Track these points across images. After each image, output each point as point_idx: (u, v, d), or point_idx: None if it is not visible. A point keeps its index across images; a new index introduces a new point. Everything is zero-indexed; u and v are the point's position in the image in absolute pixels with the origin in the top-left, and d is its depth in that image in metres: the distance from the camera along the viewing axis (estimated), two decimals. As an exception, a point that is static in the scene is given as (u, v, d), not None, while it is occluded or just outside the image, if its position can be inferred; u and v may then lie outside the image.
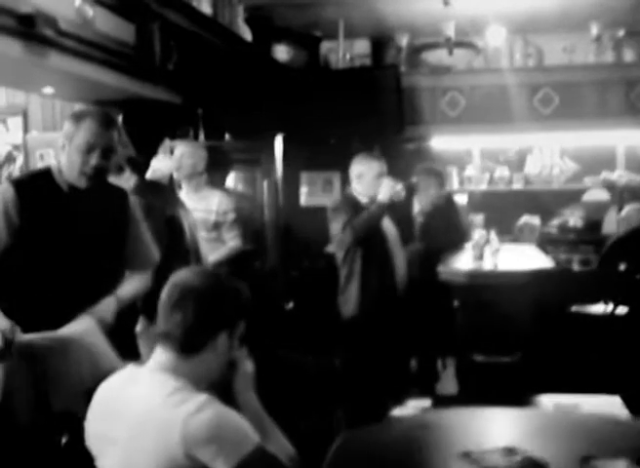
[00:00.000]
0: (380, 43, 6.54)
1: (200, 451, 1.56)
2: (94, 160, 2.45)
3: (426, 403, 2.63)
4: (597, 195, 6.40)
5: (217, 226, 4.33)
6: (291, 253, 5.99)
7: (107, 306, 2.52)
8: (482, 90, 6.17)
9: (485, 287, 3.67)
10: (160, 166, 3.79)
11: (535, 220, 6.40)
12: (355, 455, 1.96)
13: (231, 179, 5.27)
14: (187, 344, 1.70)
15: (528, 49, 6.28)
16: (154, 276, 2.70)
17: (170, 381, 1.67)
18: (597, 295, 4.64)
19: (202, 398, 1.62)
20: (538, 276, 3.74)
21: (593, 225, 6.45)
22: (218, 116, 4.69)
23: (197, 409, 1.58)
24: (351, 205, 4.08)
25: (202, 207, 4.27)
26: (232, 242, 4.38)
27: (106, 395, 1.76)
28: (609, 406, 2.62)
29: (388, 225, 4.25)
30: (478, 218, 6.01)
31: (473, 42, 5.91)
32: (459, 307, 3.80)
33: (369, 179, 4.08)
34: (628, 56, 6.12)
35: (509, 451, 1.85)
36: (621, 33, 5.94)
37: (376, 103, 5.81)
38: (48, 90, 3.92)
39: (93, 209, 2.55)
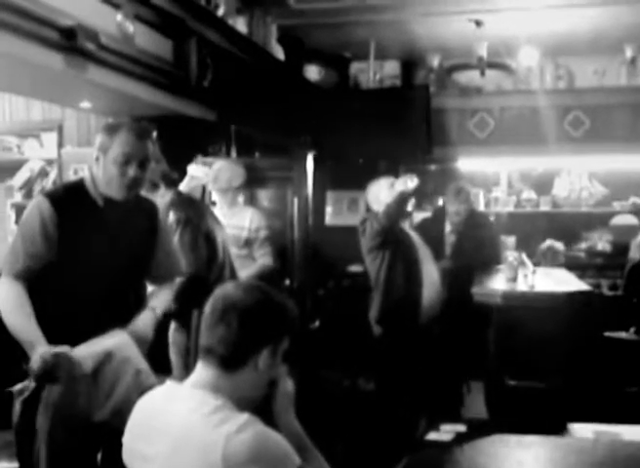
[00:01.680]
0: (410, 64, 6.51)
1: None
2: (132, 171, 2.41)
3: (461, 428, 2.54)
4: (626, 219, 6.31)
5: (248, 243, 4.30)
6: (317, 273, 5.95)
7: (146, 321, 2.48)
8: (511, 111, 6.11)
9: (520, 308, 3.58)
10: (197, 173, 3.77)
11: (558, 245, 6.30)
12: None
13: (262, 197, 5.25)
14: (229, 360, 1.64)
15: (559, 71, 6.21)
16: (191, 289, 2.66)
17: (210, 399, 1.61)
18: (629, 321, 4.52)
19: (243, 418, 1.56)
20: (575, 299, 3.64)
21: (621, 250, 6.33)
22: (250, 133, 4.66)
23: (238, 430, 1.52)
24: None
25: (234, 223, 4.25)
26: (263, 259, 4.34)
27: (145, 412, 1.70)
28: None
29: (418, 241, 4.20)
30: (510, 240, 5.93)
31: (506, 63, 5.85)
32: (492, 329, 3.70)
33: (384, 194, 4.04)
34: (661, 79, 6.02)
35: None
36: (657, 54, 5.86)
37: (404, 124, 5.76)
38: (85, 104, 3.94)
39: (126, 221, 2.52)
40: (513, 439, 2.16)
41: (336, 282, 6.05)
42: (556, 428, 2.80)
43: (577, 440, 2.39)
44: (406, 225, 4.24)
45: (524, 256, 4.15)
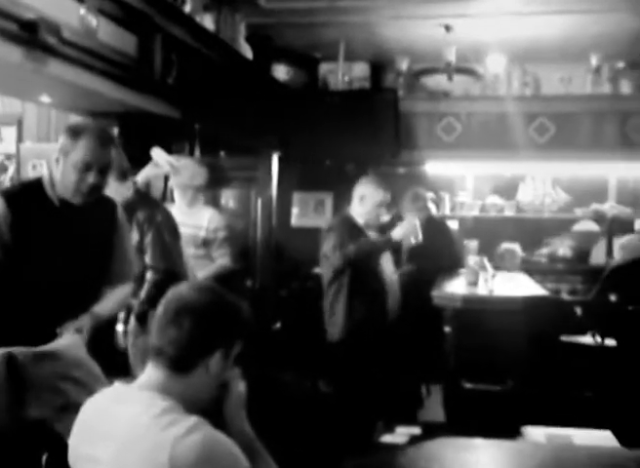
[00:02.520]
0: (380, 66, 6.56)
1: None
2: (90, 178, 2.39)
3: (416, 430, 2.57)
4: (587, 226, 6.43)
5: (205, 243, 4.26)
6: (280, 274, 5.95)
7: (85, 321, 2.45)
8: (478, 116, 6.19)
9: (479, 312, 3.62)
10: (160, 159, 3.72)
11: (516, 247, 6.39)
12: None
13: (225, 197, 5.23)
14: (180, 362, 1.63)
15: (526, 78, 6.31)
16: (161, 287, 2.64)
17: (159, 401, 1.60)
18: (587, 326, 4.61)
19: (192, 420, 1.55)
20: (533, 304, 3.69)
21: (582, 256, 6.47)
22: (214, 132, 4.64)
23: (186, 433, 1.51)
24: (348, 226, 4.03)
25: (192, 222, 4.20)
26: (221, 260, 4.30)
27: (91, 413, 1.68)
28: (601, 440, 2.56)
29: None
30: (472, 244, 5.99)
31: (473, 68, 5.93)
32: (450, 332, 3.74)
33: (370, 204, 4.03)
34: (625, 88, 6.15)
35: None
36: (621, 65, 5.97)
37: (372, 126, 5.81)
38: (45, 98, 3.88)
39: (84, 223, 2.49)
40: (460, 442, 2.18)
41: (300, 283, 6.06)
42: (510, 431, 2.85)
43: (522, 443, 2.43)
44: (371, 232, 4.19)
45: (485, 261, 4.20)
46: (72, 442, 1.68)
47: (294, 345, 5.15)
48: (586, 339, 4.57)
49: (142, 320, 3.40)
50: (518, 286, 4.33)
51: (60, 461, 1.70)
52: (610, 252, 6.39)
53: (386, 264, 4.14)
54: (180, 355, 1.63)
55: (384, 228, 4.28)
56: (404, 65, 6.21)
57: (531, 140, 6.10)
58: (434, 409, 4.45)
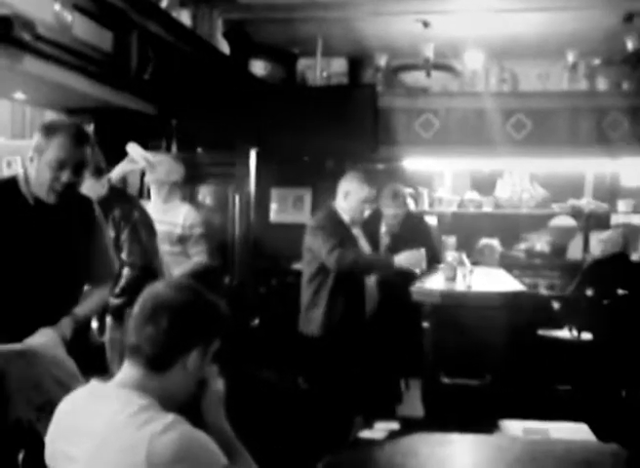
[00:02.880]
0: (358, 62, 6.57)
1: None
2: (64, 176, 2.39)
3: (394, 425, 2.59)
4: (564, 221, 6.51)
5: (181, 240, 4.23)
6: (259, 270, 5.96)
7: (65, 324, 2.45)
8: (456, 112, 6.19)
9: (457, 307, 3.65)
10: (136, 154, 3.70)
11: (494, 243, 6.45)
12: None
13: (202, 193, 5.21)
14: (157, 360, 1.64)
15: (503, 74, 6.36)
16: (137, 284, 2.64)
17: (135, 399, 1.60)
18: (564, 320, 4.67)
19: (168, 418, 1.55)
20: (511, 299, 3.74)
21: (559, 251, 6.55)
22: (191, 128, 4.63)
23: (163, 430, 1.52)
24: (335, 223, 4.05)
25: (168, 219, 4.17)
26: (197, 257, 4.27)
27: (68, 411, 1.68)
28: (577, 432, 2.60)
29: (364, 246, 4.23)
30: (450, 240, 6.03)
31: (451, 65, 5.96)
32: (429, 328, 3.77)
33: (354, 201, 4.04)
34: (601, 84, 6.21)
35: None
36: (597, 62, 6.03)
37: (351, 122, 5.81)
38: (19, 95, 3.84)
39: (59, 222, 2.49)
40: (436, 437, 2.20)
41: (279, 279, 6.06)
42: (488, 425, 2.88)
43: (499, 437, 2.46)
44: (355, 228, 4.18)
45: (463, 256, 4.24)
46: (49, 439, 1.68)
47: (273, 342, 5.15)
48: (563, 333, 4.62)
49: (117, 315, 3.39)
50: (496, 281, 4.37)
51: (36, 459, 1.70)
52: (587, 246, 6.48)
53: None
54: (156, 353, 1.63)
55: (366, 223, 4.33)
56: (382, 61, 6.22)
57: (508, 137, 6.11)
58: (413, 404, 4.48)
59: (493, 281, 4.36)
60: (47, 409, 2.09)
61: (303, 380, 4.07)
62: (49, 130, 2.41)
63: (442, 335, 3.65)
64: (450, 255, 4.30)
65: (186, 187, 4.70)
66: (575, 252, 6.57)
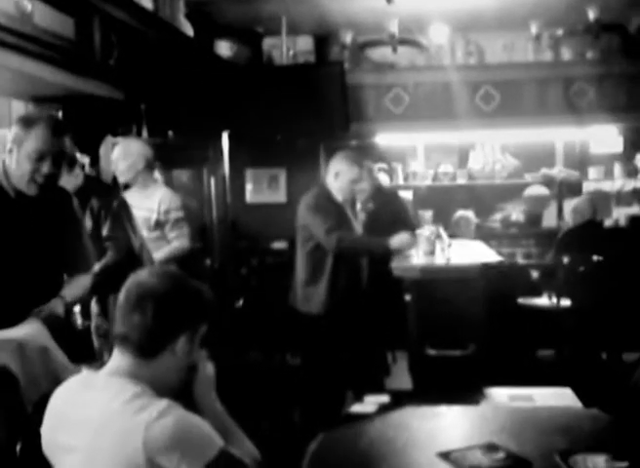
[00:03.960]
0: (324, 40, 6.52)
1: (163, 458, 1.51)
2: (45, 168, 2.39)
3: (384, 399, 2.63)
4: (537, 190, 6.60)
5: (158, 225, 4.17)
6: (239, 251, 5.96)
7: (56, 304, 2.46)
8: (425, 87, 6.22)
9: (438, 281, 3.70)
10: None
11: (470, 214, 6.52)
12: (334, 458, 1.93)
13: (177, 177, 5.16)
14: (146, 347, 1.65)
15: (469, 47, 6.37)
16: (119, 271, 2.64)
17: (128, 386, 1.61)
18: (543, 288, 4.75)
19: (163, 403, 1.57)
20: (489, 270, 3.79)
21: (534, 220, 6.64)
22: (161, 112, 4.58)
23: (158, 416, 1.53)
24: (329, 203, 4.06)
25: (145, 205, 4.11)
26: (176, 242, 4.21)
27: (62, 402, 1.69)
28: (561, 397, 2.66)
29: (358, 226, 4.24)
30: (427, 214, 6.07)
31: (417, 40, 5.96)
32: (411, 302, 3.81)
33: (344, 181, 4.05)
34: (566, 54, 6.27)
35: (490, 449, 1.81)
36: (560, 32, 6.08)
37: (321, 100, 5.78)
38: (-17, 86, 3.77)
39: (40, 214, 2.49)
40: (425, 410, 2.24)
41: (259, 259, 6.07)
42: (475, 393, 2.94)
43: (484, 407, 2.50)
44: (348, 208, 4.20)
45: (441, 230, 4.28)
46: (45, 430, 1.69)
47: (258, 321, 5.16)
48: (543, 301, 4.70)
49: (96, 291, 3.35)
50: (474, 253, 4.42)
51: (34, 449, 1.70)
52: (561, 214, 6.59)
53: None
54: (145, 341, 1.64)
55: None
56: (348, 38, 6.18)
57: (477, 109, 6.16)
58: (401, 376, 4.54)
59: (471, 253, 4.42)
60: (41, 401, 2.09)
61: (292, 357, 4.08)
62: (27, 121, 2.42)
63: (425, 309, 3.70)
64: (427, 229, 4.33)
65: (160, 172, 4.65)
66: (549, 219, 6.68)
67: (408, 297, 3.84)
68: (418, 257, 4.15)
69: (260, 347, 4.86)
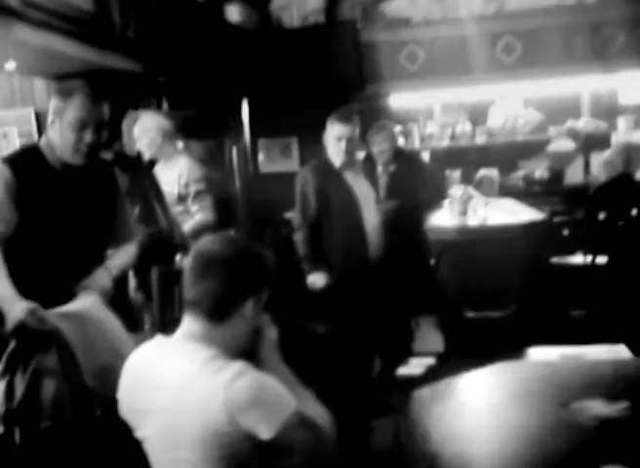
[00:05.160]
0: (333, -2, 6.56)
1: (243, 417, 1.66)
2: (87, 137, 2.50)
3: (430, 361, 2.79)
4: (562, 145, 6.60)
5: (181, 199, 4.26)
6: (254, 222, 6.07)
7: (101, 277, 2.62)
8: (442, 42, 6.23)
9: (476, 242, 3.78)
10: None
11: (493, 173, 6.57)
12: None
13: (199, 148, 5.24)
14: (217, 312, 1.80)
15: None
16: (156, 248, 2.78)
17: (203, 350, 1.77)
18: (579, 246, 4.77)
19: (239, 364, 1.73)
20: (529, 229, 3.87)
21: (559, 176, 6.66)
22: (180, 84, 4.68)
23: (236, 376, 1.69)
24: (321, 170, 4.06)
25: (167, 179, 4.17)
26: (200, 214, 4.28)
27: (138, 367, 1.86)
28: (615, 353, 2.76)
29: (362, 187, 4.26)
30: (455, 174, 6.12)
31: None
32: (447, 264, 3.93)
33: (330, 141, 4.02)
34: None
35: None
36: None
37: (335, 62, 5.84)
38: (10, 65, 3.90)
39: (84, 184, 2.62)
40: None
41: (274, 230, 6.19)
42: (517, 354, 3.07)
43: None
44: (351, 172, 4.16)
45: (471, 190, 4.37)
46: (123, 396, 1.87)
47: (279, 292, 5.26)
48: (577, 259, 4.78)
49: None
50: (511, 212, 4.45)
51: (112, 415, 1.87)
52: (587, 170, 6.63)
53: (369, 216, 4.17)
54: (216, 305, 1.81)
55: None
56: (362, -7, 6.24)
57: (498, 62, 6.17)
58: (425, 340, 4.69)
59: (507, 212, 4.44)
60: (102, 373, 2.26)
61: (317, 324, 4.20)
62: (65, 91, 2.51)
63: (462, 271, 3.81)
64: (457, 190, 4.41)
65: (183, 143, 4.74)
66: (574, 175, 6.70)
67: (443, 260, 3.95)
68: (452, 219, 4.23)
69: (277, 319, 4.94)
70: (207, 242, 1.88)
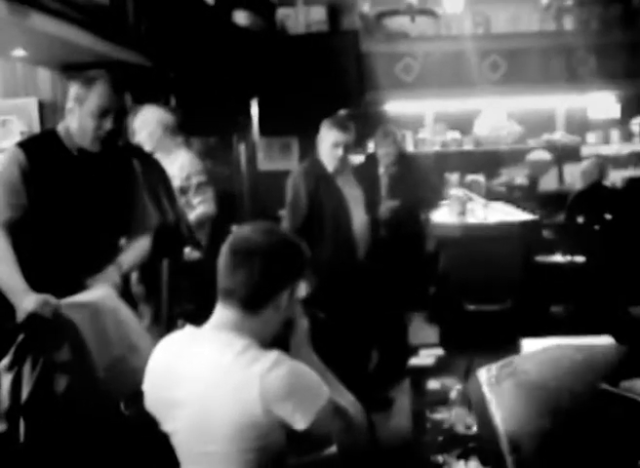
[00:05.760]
0: (336, 10, 6.36)
1: (278, 407, 1.45)
2: (108, 124, 2.27)
3: (439, 351, 2.57)
4: (539, 155, 6.55)
5: (183, 192, 3.86)
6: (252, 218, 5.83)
7: (113, 273, 2.34)
8: (435, 56, 6.13)
9: (477, 239, 3.61)
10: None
11: (480, 178, 6.47)
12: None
13: (207, 144, 4.96)
14: (253, 301, 1.56)
15: (477, 18, 6.25)
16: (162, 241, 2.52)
17: (236, 340, 1.53)
18: (560, 246, 4.71)
19: (274, 354, 1.50)
20: (526, 227, 3.73)
21: (536, 183, 6.61)
22: (189, 81, 4.41)
23: (272, 366, 1.47)
24: (313, 174, 3.67)
25: (169, 172, 3.87)
26: (201, 207, 3.91)
27: (167, 357, 1.60)
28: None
29: (351, 190, 3.80)
30: (453, 177, 5.99)
31: (433, 9, 5.83)
32: (449, 260, 3.73)
33: (325, 147, 3.63)
34: (568, 24, 6.18)
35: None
36: (569, 2, 5.98)
37: (336, 69, 5.67)
38: (18, 52, 3.61)
39: (102, 172, 2.37)
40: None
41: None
42: (512, 346, 2.87)
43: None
44: (341, 176, 3.75)
45: (470, 192, 4.20)
46: (149, 387, 1.61)
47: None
48: (557, 258, 4.67)
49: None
50: (506, 213, 4.34)
51: (138, 406, 1.62)
52: (561, 178, 6.56)
53: (358, 218, 3.81)
54: (251, 295, 1.57)
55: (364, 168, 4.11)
56: (366, 7, 6.03)
57: (485, 77, 6.09)
58: (419, 334, 4.50)
59: (503, 212, 4.31)
60: (114, 364, 2.01)
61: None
62: (88, 79, 2.28)
63: (463, 266, 3.62)
64: (457, 192, 4.25)
65: (188, 139, 4.46)
66: (547, 183, 6.64)
67: (445, 256, 3.76)
68: (451, 218, 4.05)
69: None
70: (244, 231, 1.62)
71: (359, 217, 3.82)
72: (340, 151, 3.58)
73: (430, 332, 4.37)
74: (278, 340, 1.69)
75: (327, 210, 3.64)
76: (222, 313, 1.59)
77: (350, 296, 3.69)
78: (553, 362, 2.06)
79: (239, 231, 1.63)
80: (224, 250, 1.60)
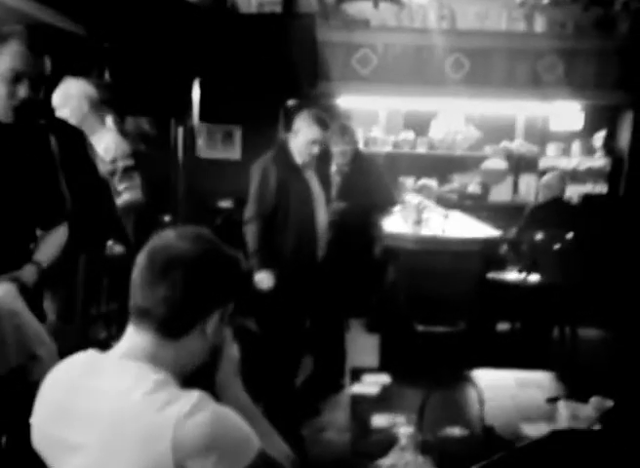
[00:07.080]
0: (292, -10, 6.11)
1: (195, 462, 1.21)
2: (22, 91, 1.99)
3: (385, 378, 2.39)
4: (495, 163, 6.47)
5: (109, 175, 3.55)
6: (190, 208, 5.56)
7: (29, 273, 2.07)
8: (395, 49, 5.94)
9: (432, 253, 3.44)
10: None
11: (432, 183, 6.37)
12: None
13: (143, 124, 4.65)
14: (172, 325, 1.32)
15: (442, 10, 6.10)
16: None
17: (149, 373, 1.29)
18: (508, 263, 4.62)
19: (195, 396, 1.26)
20: (488, 244, 3.59)
21: (488, 192, 6.54)
22: (125, 54, 4.10)
23: (191, 411, 1.22)
24: (283, 163, 3.67)
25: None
26: (127, 194, 3.68)
27: (62, 388, 1.34)
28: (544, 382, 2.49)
29: (316, 186, 3.87)
30: (409, 181, 5.81)
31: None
32: (400, 273, 3.56)
33: (301, 142, 3.65)
34: (539, 26, 6.08)
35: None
36: (546, 1, 5.87)
37: (289, 54, 5.41)
38: None
39: (14, 146, 2.08)
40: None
41: (210, 218, 5.68)
42: (460, 376, 2.73)
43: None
44: (308, 170, 3.79)
45: (426, 200, 4.03)
46: (38, 422, 1.35)
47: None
48: (511, 276, 4.57)
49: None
50: (465, 226, 4.19)
51: (23, 444, 1.36)
52: (516, 189, 6.50)
53: (321, 214, 3.84)
54: (173, 317, 1.32)
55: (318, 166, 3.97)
56: (323, -10, 5.82)
57: (446, 76, 5.94)
58: (359, 340, 4.37)
59: (461, 225, 4.17)
60: (9, 380, 1.75)
61: (249, 321, 3.78)
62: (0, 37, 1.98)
63: (415, 281, 3.46)
64: (413, 198, 4.07)
65: (119, 118, 4.15)
66: (500, 194, 6.58)
67: (396, 269, 3.59)
68: (406, 227, 3.88)
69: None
70: (166, 236, 1.37)
71: (322, 215, 3.87)
72: (316, 149, 3.68)
73: (369, 340, 4.22)
74: (200, 373, 1.46)
75: (294, 201, 3.67)
76: (134, 338, 1.34)
77: (307, 293, 3.70)
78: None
79: (160, 236, 1.36)
80: (140, 259, 1.34)
